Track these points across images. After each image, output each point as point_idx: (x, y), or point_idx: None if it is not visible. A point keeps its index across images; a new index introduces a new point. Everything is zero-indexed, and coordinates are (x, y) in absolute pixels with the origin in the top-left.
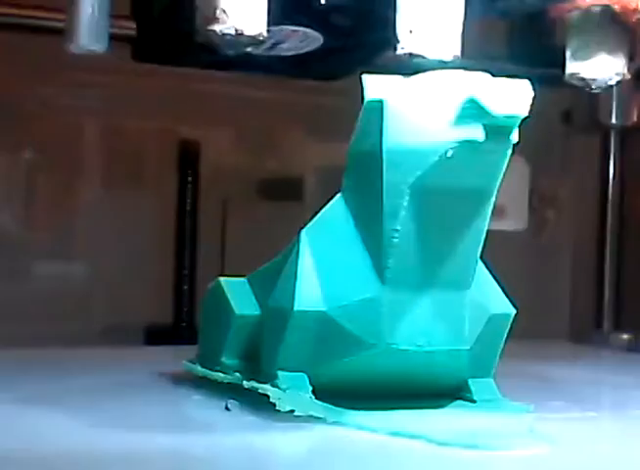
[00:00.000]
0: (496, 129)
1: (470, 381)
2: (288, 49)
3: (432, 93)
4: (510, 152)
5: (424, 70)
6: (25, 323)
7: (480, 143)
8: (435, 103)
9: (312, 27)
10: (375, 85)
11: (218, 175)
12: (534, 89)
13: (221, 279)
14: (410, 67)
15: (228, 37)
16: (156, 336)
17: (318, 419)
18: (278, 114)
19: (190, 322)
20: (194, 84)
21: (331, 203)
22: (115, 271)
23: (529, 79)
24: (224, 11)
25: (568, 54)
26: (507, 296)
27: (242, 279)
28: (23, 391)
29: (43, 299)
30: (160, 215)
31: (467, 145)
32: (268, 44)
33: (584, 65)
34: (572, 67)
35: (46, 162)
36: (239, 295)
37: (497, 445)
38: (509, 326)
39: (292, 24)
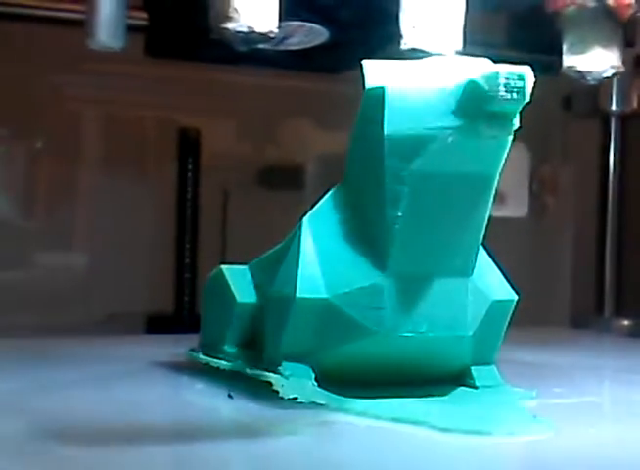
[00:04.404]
0: (497, 115)
1: (472, 367)
2: (294, 44)
3: (433, 79)
4: (511, 138)
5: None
6: (26, 312)
7: (481, 129)
8: (436, 89)
9: (318, 23)
10: (375, 71)
11: (219, 164)
12: (535, 76)
13: (223, 267)
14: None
15: (241, 35)
16: (157, 324)
17: (321, 406)
18: (278, 102)
19: (191, 311)
20: (194, 72)
21: (332, 190)
22: (116, 260)
23: (530, 66)
24: (237, 9)
25: (564, 47)
26: (509, 282)
27: (244, 267)
28: (24, 380)
29: (44, 288)
30: (160, 204)
31: (468, 131)
32: (276, 39)
33: (580, 58)
34: (569, 60)
35: (46, 150)
36: (241, 282)
37: (499, 430)
38: (511, 312)
39: (298, 20)
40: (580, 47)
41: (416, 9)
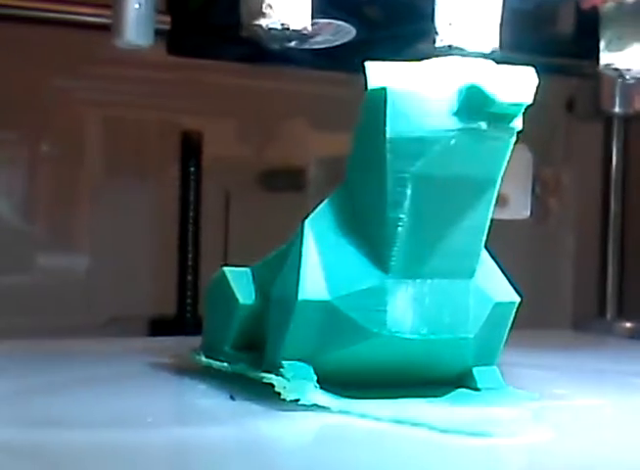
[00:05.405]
0: (500, 117)
1: (474, 369)
2: (320, 42)
3: (435, 80)
4: (513, 140)
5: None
6: (29, 315)
7: (483, 131)
8: (439, 90)
9: (346, 20)
10: (378, 72)
11: (221, 166)
12: (538, 77)
13: (225, 269)
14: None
15: (274, 32)
16: (160, 327)
17: (322, 408)
18: (280, 104)
19: (194, 313)
20: (196, 75)
21: (334, 192)
22: (119, 263)
23: (533, 67)
24: (270, 6)
25: (602, 45)
26: (511, 284)
27: (246, 269)
28: (27, 382)
29: (46, 290)
30: (162, 206)
31: (470, 133)
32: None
33: (618, 56)
34: (607, 58)
35: (48, 153)
36: (243, 284)
37: (501, 432)
38: (513, 314)
39: (326, 17)
40: (619, 44)
41: (452, 4)
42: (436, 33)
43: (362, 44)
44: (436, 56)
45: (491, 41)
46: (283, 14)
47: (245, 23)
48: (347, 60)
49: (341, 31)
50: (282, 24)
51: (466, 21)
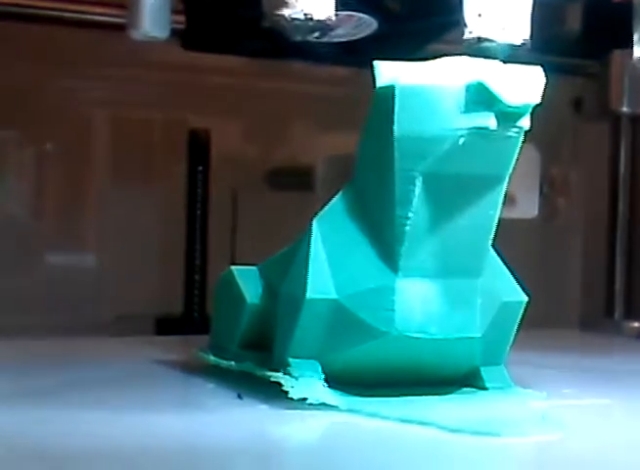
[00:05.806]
0: (508, 116)
1: (482, 368)
2: (340, 35)
3: (443, 80)
4: (522, 139)
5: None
6: (36, 314)
7: (491, 130)
8: (447, 90)
9: (367, 12)
10: (386, 72)
11: (228, 165)
12: (545, 77)
13: (233, 268)
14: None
15: (297, 22)
16: (167, 326)
17: (330, 407)
18: (288, 103)
19: (201, 312)
20: (204, 74)
21: (342, 191)
22: (126, 261)
23: (541, 67)
24: None
25: (635, 38)
26: (518, 283)
27: (254, 268)
28: (35, 382)
29: (53, 289)
30: (170, 205)
31: (478, 132)
32: (321, 31)
33: None
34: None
35: (56, 152)
36: (251, 283)
37: (509, 431)
38: (521, 314)
39: (346, 10)
40: None
41: None
42: (465, 25)
43: (384, 38)
44: (456, 52)
45: (522, 32)
46: (306, 3)
47: (267, 12)
48: (368, 54)
49: (362, 24)
50: (305, 14)
51: (496, 11)
